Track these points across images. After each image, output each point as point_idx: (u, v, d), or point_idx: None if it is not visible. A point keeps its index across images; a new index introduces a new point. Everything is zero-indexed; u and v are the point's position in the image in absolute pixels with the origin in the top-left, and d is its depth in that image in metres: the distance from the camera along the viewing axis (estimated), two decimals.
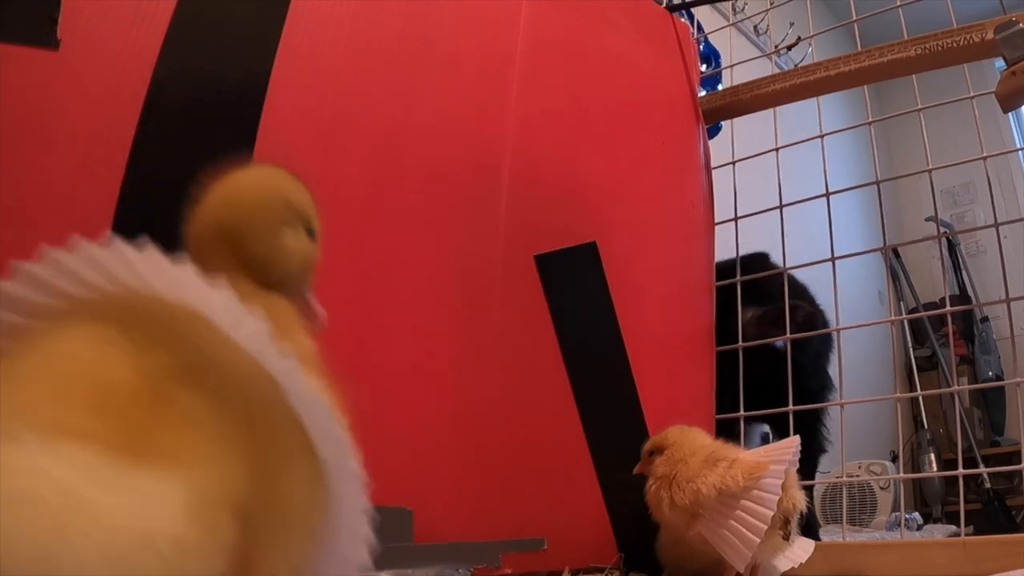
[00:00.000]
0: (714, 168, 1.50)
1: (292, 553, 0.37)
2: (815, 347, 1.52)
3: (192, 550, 0.30)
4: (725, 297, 1.44)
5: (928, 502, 3.38)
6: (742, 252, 1.51)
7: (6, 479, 0.26)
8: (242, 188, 0.50)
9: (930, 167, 1.46)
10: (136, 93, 0.84)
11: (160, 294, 0.38)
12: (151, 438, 0.32)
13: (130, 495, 0.29)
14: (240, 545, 0.32)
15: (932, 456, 3.42)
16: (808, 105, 1.54)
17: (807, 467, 1.57)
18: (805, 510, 1.01)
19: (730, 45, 1.81)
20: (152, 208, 0.83)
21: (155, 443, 0.32)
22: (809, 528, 1.44)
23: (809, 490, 1.42)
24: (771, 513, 0.89)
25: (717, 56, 2.00)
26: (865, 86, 1.55)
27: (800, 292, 1.55)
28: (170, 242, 0.83)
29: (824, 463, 1.67)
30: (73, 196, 0.80)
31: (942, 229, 3.33)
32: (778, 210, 1.49)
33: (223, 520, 0.32)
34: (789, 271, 1.47)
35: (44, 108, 0.79)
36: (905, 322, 3.63)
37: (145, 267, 0.39)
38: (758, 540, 0.88)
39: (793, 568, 1.04)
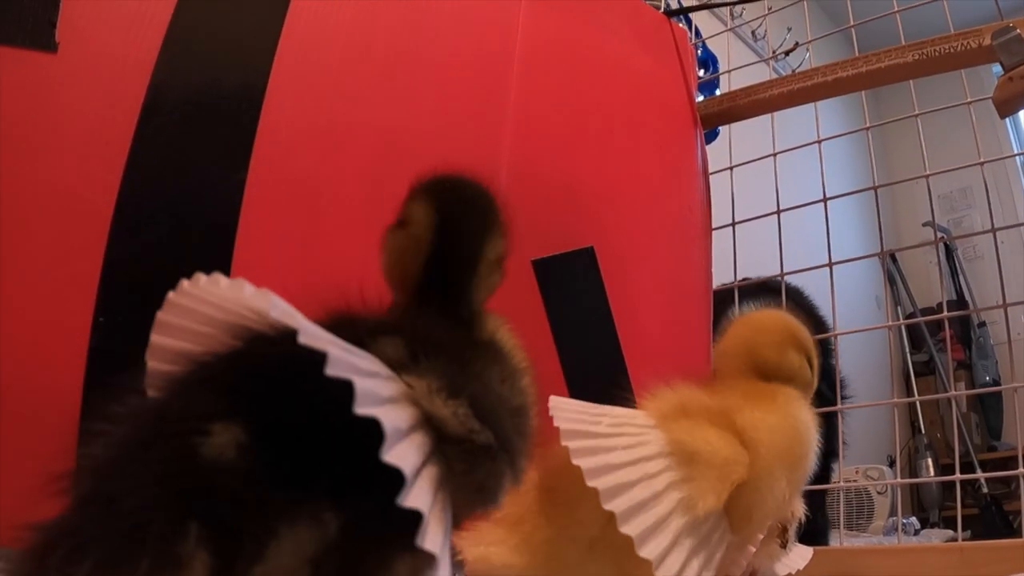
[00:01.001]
0: (712, 173, 1.50)
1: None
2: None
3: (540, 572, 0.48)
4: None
5: (925, 507, 3.39)
6: (745, 261, 1.51)
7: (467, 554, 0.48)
8: (765, 320, 0.68)
9: (927, 172, 1.46)
10: (135, 95, 0.84)
11: None
12: (525, 519, 0.51)
13: (512, 553, 0.50)
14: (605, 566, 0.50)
15: (929, 461, 3.42)
16: (806, 111, 1.54)
17: (821, 471, 1.57)
18: (803, 519, 1.00)
19: (728, 50, 1.82)
20: (150, 210, 0.84)
21: (531, 522, 0.52)
22: (821, 532, 1.44)
23: (821, 495, 1.42)
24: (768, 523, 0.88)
25: (715, 61, 2.00)
26: (863, 92, 1.56)
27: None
28: (166, 244, 0.83)
29: None
30: (71, 198, 0.79)
31: (939, 234, 3.34)
32: (776, 215, 1.49)
33: (569, 552, 0.50)
34: (787, 275, 1.47)
35: (42, 110, 0.79)
36: (902, 327, 3.64)
37: None
38: (754, 550, 0.88)
39: (789, 574, 1.04)
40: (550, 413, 0.57)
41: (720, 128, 1.65)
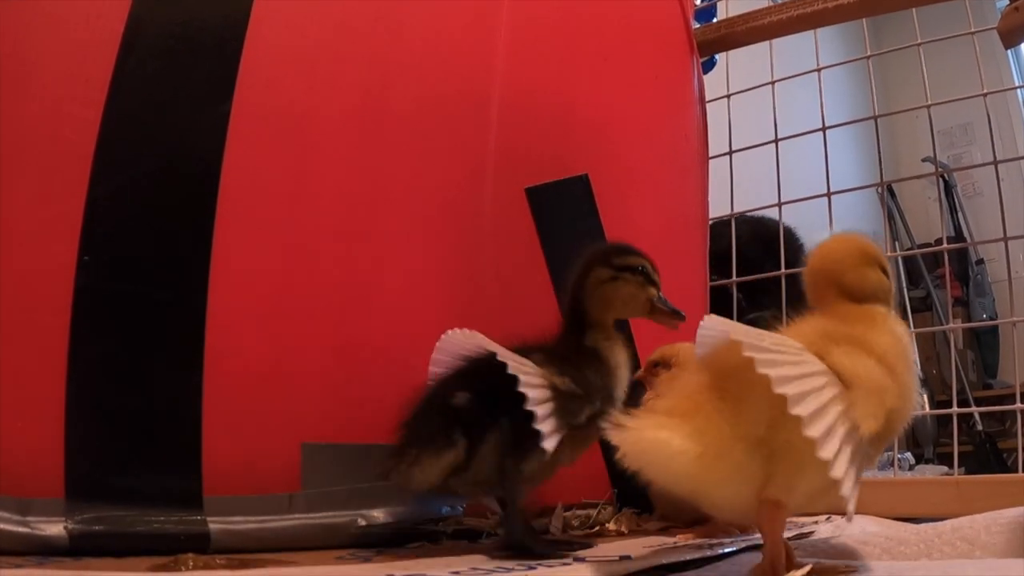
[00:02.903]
0: (708, 102, 1.47)
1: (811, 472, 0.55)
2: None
3: (706, 461, 0.56)
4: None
5: (920, 443, 3.41)
6: (742, 192, 1.49)
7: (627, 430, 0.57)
8: (838, 244, 0.72)
9: (929, 103, 1.44)
10: (113, 31, 0.82)
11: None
12: (697, 412, 0.58)
13: (666, 432, 0.56)
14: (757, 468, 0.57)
15: (925, 397, 3.44)
16: (805, 39, 1.51)
17: None
18: None
19: None
20: (132, 147, 0.82)
21: (697, 414, 0.58)
22: None
23: None
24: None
25: None
26: (864, 21, 1.53)
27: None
28: (149, 180, 0.82)
29: None
30: (51, 138, 0.78)
31: (939, 168, 3.31)
32: (773, 144, 1.47)
33: (732, 449, 0.57)
34: (784, 204, 1.46)
35: (18, 49, 0.77)
36: (900, 262, 3.63)
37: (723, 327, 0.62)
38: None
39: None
40: (705, 328, 0.65)
41: (717, 57, 1.61)
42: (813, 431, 0.51)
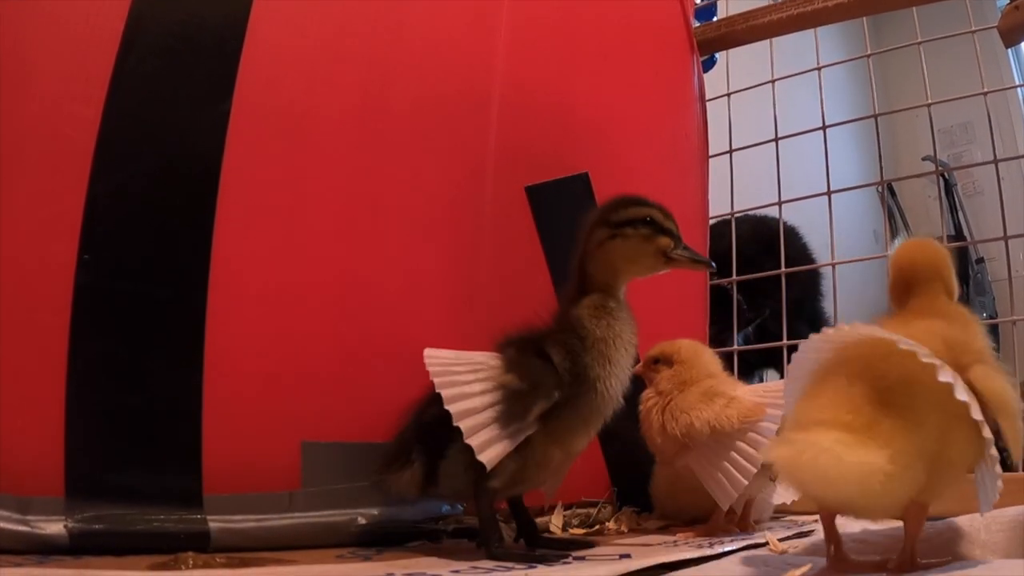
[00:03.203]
0: (708, 100, 1.48)
1: (956, 477, 0.61)
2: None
3: (895, 478, 0.55)
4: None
5: None
6: (742, 191, 1.49)
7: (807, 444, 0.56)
8: (932, 243, 0.74)
9: (929, 101, 1.44)
10: (113, 29, 0.82)
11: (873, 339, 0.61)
12: (875, 426, 0.57)
13: (860, 450, 0.55)
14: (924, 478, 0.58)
15: None
16: (805, 37, 1.51)
17: None
18: None
19: None
20: (132, 145, 0.82)
21: (876, 429, 0.57)
22: None
23: None
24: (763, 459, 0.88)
25: None
26: (864, 20, 1.52)
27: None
28: (149, 178, 0.82)
29: None
30: (51, 136, 0.78)
31: (939, 167, 3.31)
32: (773, 143, 1.47)
33: (915, 465, 0.57)
34: (784, 203, 1.46)
35: (18, 47, 0.77)
36: None
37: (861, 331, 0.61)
38: (747, 483, 0.88)
39: (784, 503, 1.05)
40: (839, 333, 0.64)
41: (717, 56, 1.61)
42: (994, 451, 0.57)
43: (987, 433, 0.56)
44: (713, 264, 0.82)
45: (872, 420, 0.58)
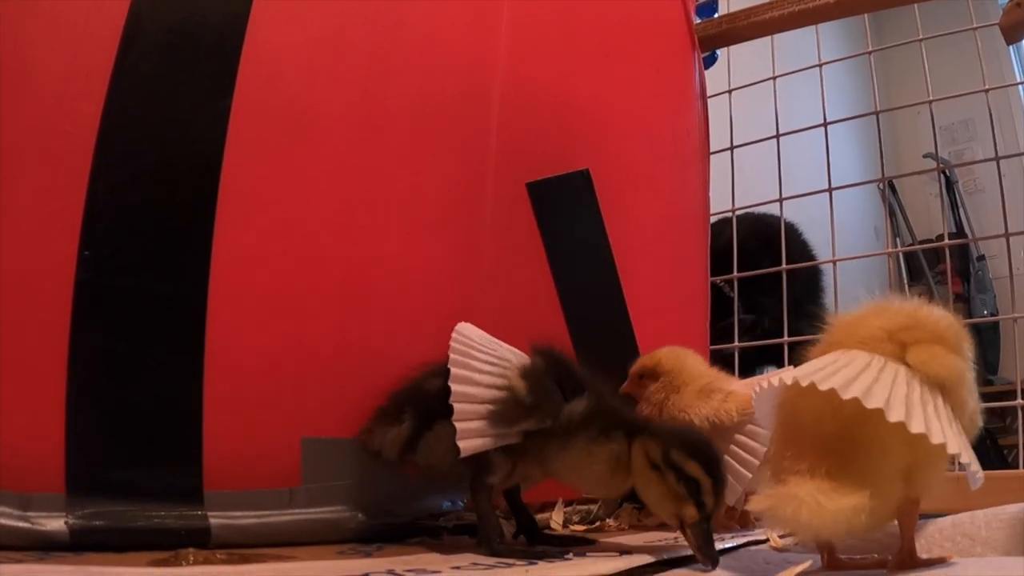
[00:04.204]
0: (710, 97, 1.47)
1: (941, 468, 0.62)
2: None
3: (878, 509, 0.56)
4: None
5: None
6: (743, 189, 1.49)
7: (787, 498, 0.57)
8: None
9: (931, 98, 1.44)
10: (114, 25, 0.81)
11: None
12: (849, 465, 0.58)
13: (838, 496, 0.55)
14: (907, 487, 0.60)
15: None
16: (806, 34, 1.51)
17: None
18: None
19: None
20: (133, 142, 0.82)
21: (851, 468, 0.57)
22: None
23: None
24: (764, 449, 0.88)
25: None
26: (865, 16, 1.52)
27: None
28: (149, 175, 0.82)
29: None
30: (51, 133, 0.77)
31: (940, 164, 3.31)
32: (774, 140, 1.47)
33: (894, 485, 0.59)
34: (785, 199, 1.46)
35: (18, 44, 0.76)
36: (901, 259, 3.63)
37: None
38: (750, 476, 0.88)
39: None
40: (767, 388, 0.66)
41: (718, 53, 1.61)
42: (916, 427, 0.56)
43: (952, 447, 0.56)
44: (714, 563, 0.69)
45: (844, 459, 0.58)
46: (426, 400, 0.80)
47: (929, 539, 0.75)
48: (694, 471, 0.69)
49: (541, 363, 0.77)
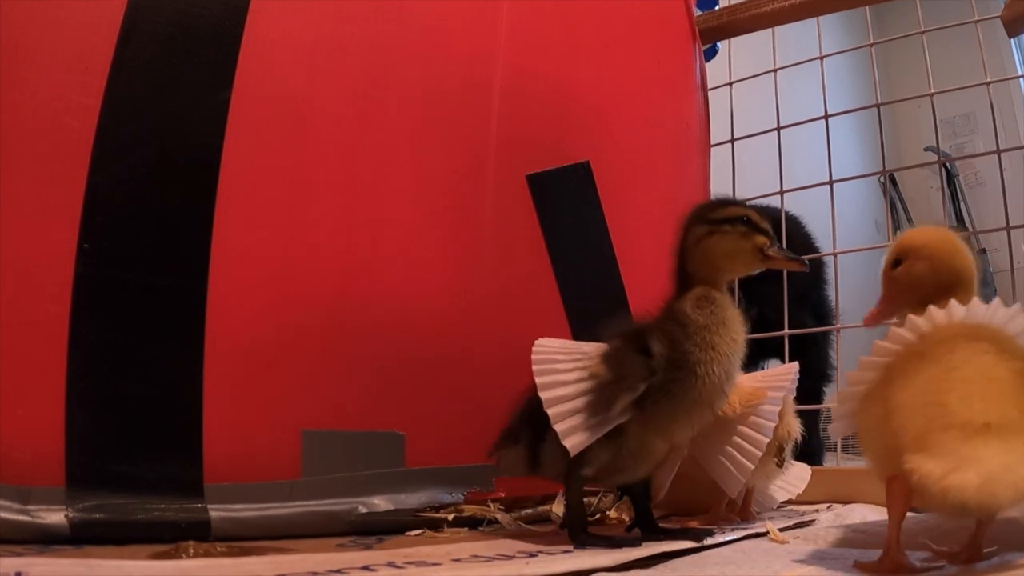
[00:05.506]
0: (710, 90, 1.47)
1: None
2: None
3: None
4: None
5: None
6: (744, 181, 1.49)
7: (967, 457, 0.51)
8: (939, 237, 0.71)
9: (932, 91, 1.43)
10: (113, 17, 0.81)
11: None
12: None
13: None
14: None
15: None
16: (807, 27, 1.50)
17: (813, 393, 1.58)
18: (800, 438, 1.00)
19: None
20: (132, 135, 0.82)
21: None
22: (815, 454, 1.45)
23: (815, 416, 1.44)
24: (767, 440, 0.88)
25: None
26: (866, 9, 1.52)
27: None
28: (149, 168, 0.82)
29: None
30: (51, 125, 0.77)
31: (941, 156, 3.30)
32: (775, 132, 1.47)
33: None
34: (786, 192, 1.45)
35: (18, 36, 0.76)
36: None
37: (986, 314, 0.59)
38: (753, 467, 0.88)
39: (790, 498, 1.05)
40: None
41: (719, 45, 1.61)
42: None
43: None
44: (807, 262, 0.80)
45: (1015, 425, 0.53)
46: (532, 414, 0.79)
47: (930, 533, 0.75)
48: (737, 211, 0.79)
49: (618, 342, 0.78)
